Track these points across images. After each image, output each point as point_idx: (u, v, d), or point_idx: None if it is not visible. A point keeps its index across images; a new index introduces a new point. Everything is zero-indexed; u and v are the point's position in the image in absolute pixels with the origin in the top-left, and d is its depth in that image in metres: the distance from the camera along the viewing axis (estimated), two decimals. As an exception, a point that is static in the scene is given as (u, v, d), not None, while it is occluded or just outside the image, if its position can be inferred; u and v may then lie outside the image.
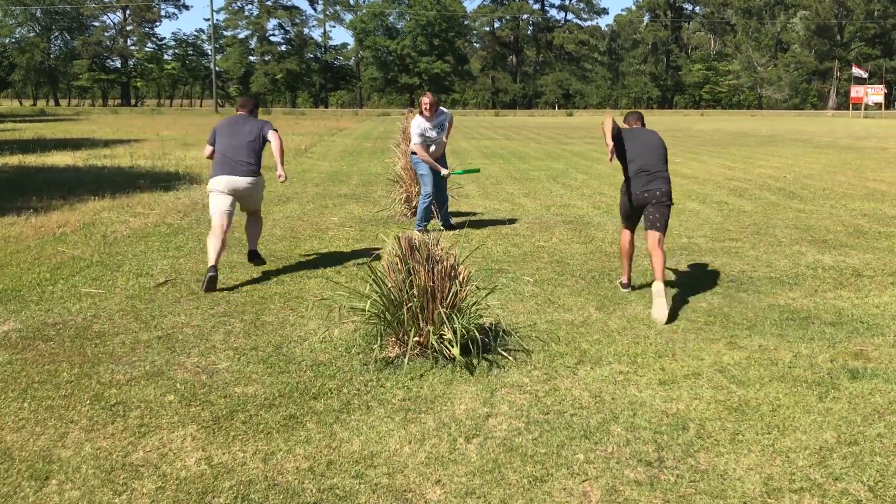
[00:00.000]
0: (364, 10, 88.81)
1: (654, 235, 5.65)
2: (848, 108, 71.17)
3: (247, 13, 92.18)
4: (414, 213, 9.61)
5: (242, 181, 6.64)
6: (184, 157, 18.59)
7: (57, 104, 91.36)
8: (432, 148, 8.52)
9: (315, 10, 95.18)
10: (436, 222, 8.83)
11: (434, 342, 4.52)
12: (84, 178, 13.87)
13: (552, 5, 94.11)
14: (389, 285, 4.68)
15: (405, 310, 4.54)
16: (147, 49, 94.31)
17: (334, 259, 7.42)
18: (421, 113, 8.42)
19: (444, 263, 4.68)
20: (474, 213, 10.24)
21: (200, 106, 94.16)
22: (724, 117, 60.69)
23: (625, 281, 6.25)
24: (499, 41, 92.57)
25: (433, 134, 8.47)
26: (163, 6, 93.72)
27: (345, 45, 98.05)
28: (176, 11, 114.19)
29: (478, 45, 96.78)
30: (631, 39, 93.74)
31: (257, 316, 5.50)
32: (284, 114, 64.45)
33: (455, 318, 4.53)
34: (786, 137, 29.88)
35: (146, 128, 34.65)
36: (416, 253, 4.66)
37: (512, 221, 9.67)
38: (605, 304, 5.84)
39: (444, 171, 8.51)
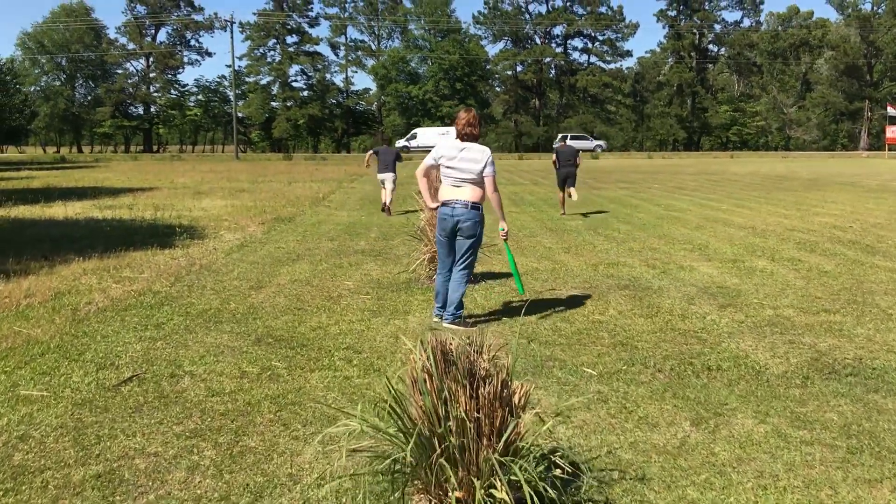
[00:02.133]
0: (386, 56, 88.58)
1: None
2: (881, 149, 69.47)
3: (269, 59, 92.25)
4: (441, 277, 8.21)
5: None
6: (192, 206, 17.40)
7: (80, 151, 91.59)
8: (450, 187, 6.38)
9: (337, 55, 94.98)
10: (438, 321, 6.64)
11: (481, 499, 3.09)
12: (77, 232, 12.65)
13: (575, 48, 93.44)
14: (415, 413, 3.26)
15: (438, 451, 3.13)
16: (170, 96, 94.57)
17: (345, 340, 6.03)
18: (457, 132, 6.50)
19: (494, 382, 3.26)
20: (508, 275, 8.82)
21: (223, 151, 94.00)
22: (754, 159, 59.12)
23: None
24: (521, 84, 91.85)
25: (459, 166, 6.33)
26: (186, 53, 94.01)
27: (367, 89, 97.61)
28: (199, 58, 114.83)
29: (499, 89, 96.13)
30: (655, 81, 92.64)
31: (237, 437, 4.10)
32: (305, 159, 63.80)
33: (511, 464, 3.10)
34: (830, 181, 28.32)
35: (162, 175, 33.74)
36: (452, 368, 3.25)
37: (555, 285, 8.25)
38: (702, 416, 4.38)
39: (502, 228, 6.81)
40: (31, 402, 4.65)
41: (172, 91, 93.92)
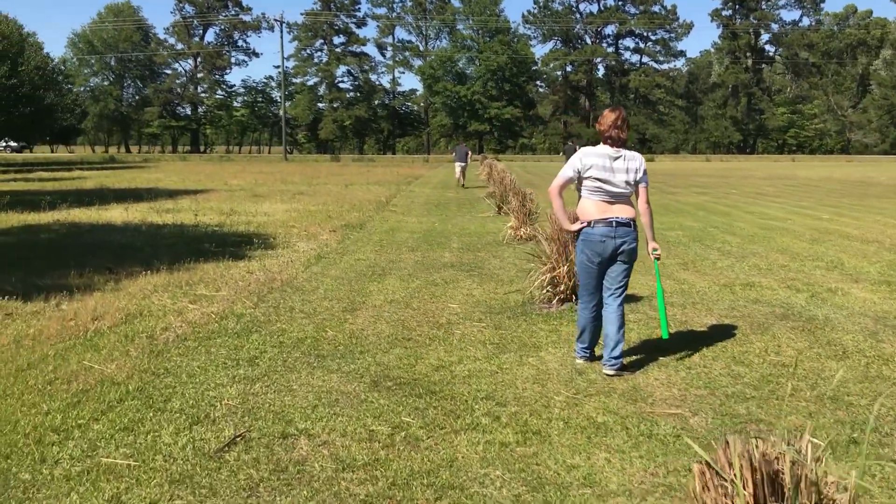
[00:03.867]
0: (433, 57, 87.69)
1: None
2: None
3: (316, 60, 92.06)
4: (566, 299, 7.08)
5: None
6: (255, 211, 16.50)
7: (128, 151, 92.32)
8: (601, 203, 5.27)
9: (384, 56, 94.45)
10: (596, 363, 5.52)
11: None
12: (138, 240, 11.77)
13: (627, 48, 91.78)
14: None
15: None
16: (217, 96, 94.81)
17: (480, 386, 4.94)
18: (603, 136, 5.32)
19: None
20: (636, 298, 7.66)
21: (269, 152, 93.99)
22: (817, 163, 57.07)
23: None
24: (570, 85, 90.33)
25: (613, 179, 5.23)
26: (233, 54, 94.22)
27: (413, 90, 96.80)
28: (246, 59, 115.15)
29: (542, 90, 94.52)
30: (710, 82, 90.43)
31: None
32: (353, 160, 63.29)
33: None
34: (917, 186, 26.64)
35: (214, 176, 33.14)
36: (791, 496, 2.10)
37: (695, 313, 7.07)
38: None
39: (651, 249, 5.50)
40: (116, 475, 3.64)
41: (219, 91, 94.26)
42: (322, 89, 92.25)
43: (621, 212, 5.29)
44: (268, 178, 31.95)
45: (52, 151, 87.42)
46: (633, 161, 5.32)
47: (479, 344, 5.99)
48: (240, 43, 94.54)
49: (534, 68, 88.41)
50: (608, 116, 5.40)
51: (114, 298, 7.45)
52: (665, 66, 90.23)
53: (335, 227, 13.70)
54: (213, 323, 6.58)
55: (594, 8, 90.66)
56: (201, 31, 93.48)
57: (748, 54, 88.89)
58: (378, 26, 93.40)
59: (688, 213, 16.83)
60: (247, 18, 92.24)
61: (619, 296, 5.35)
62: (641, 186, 5.33)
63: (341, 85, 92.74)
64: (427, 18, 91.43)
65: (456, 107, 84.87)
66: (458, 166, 27.71)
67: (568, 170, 5.45)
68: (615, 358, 5.21)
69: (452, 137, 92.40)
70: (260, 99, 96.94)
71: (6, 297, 7.31)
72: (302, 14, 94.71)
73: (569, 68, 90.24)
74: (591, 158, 5.33)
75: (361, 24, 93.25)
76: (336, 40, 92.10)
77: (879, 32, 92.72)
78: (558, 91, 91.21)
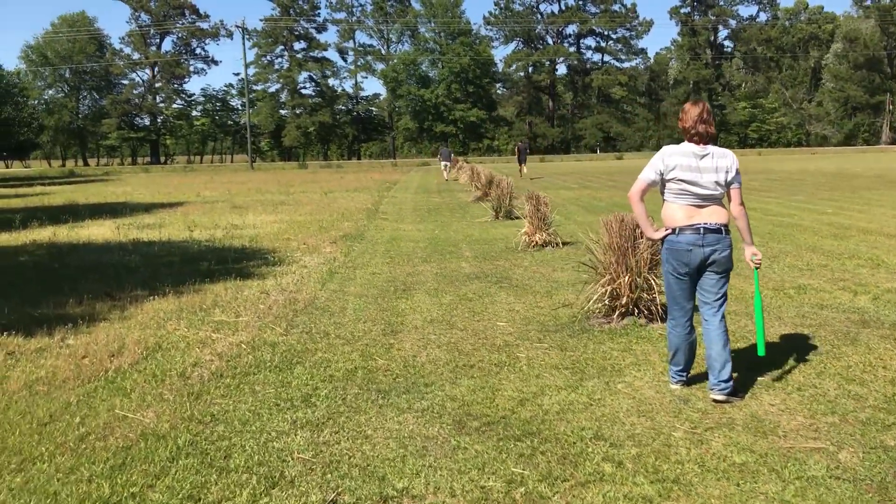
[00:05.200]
0: (396, 60, 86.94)
1: None
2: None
3: (276, 66, 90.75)
4: (627, 313, 6.50)
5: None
6: (240, 223, 15.73)
7: (86, 164, 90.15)
8: (688, 207, 4.72)
9: (346, 61, 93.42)
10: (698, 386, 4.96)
11: None
12: (131, 259, 10.97)
13: (588, 47, 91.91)
14: None
15: None
16: (176, 106, 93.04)
17: (581, 423, 4.35)
18: (687, 133, 4.76)
19: None
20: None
21: (231, 161, 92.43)
22: (782, 156, 57.52)
23: None
24: (534, 85, 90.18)
25: (701, 180, 4.67)
26: (192, 62, 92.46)
27: (377, 95, 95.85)
28: (205, 67, 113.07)
29: (502, 91, 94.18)
30: (672, 79, 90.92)
31: None
32: (321, 167, 62.39)
33: None
34: (899, 177, 26.66)
35: (183, 187, 32.14)
36: None
37: (764, 322, 6.51)
38: None
39: (749, 258, 4.89)
40: (199, 564, 2.97)
41: (179, 101, 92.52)
42: (284, 96, 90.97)
43: (711, 216, 4.74)
44: (240, 187, 31.04)
45: (8, 167, 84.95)
46: (724, 159, 4.76)
47: (552, 369, 5.39)
48: (198, 51, 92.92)
49: (493, 70, 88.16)
50: (691, 111, 4.83)
51: (125, 329, 6.71)
52: (627, 65, 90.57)
53: (334, 238, 13.01)
54: (245, 354, 5.89)
55: (555, 8, 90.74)
56: (158, 40, 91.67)
57: (708, 51, 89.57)
58: (338, 31, 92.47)
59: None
60: (205, 26, 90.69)
61: (720, 309, 4.80)
62: (734, 188, 4.78)
63: (303, 91, 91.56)
64: (388, 22, 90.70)
65: (420, 110, 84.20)
66: (443, 164, 35.87)
67: (649, 172, 4.88)
68: (724, 381, 4.64)
69: (418, 141, 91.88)
70: (220, 107, 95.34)
71: (4, 333, 6.53)
72: (261, 20, 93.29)
73: (531, 69, 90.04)
74: (675, 158, 4.77)
75: (322, 28, 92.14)
76: (297, 46, 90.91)
77: (830, 27, 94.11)
78: (522, 92, 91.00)
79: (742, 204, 4.81)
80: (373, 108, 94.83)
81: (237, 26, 64.86)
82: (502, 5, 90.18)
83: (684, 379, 4.94)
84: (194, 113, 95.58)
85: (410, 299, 7.91)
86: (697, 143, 4.74)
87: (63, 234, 14.53)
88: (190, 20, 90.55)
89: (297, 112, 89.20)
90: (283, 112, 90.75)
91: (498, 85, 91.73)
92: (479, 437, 4.18)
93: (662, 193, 4.95)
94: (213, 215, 17.96)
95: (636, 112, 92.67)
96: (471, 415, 4.53)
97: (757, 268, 4.90)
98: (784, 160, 48.26)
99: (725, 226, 4.74)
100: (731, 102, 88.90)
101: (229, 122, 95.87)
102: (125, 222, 16.49)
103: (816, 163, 42.13)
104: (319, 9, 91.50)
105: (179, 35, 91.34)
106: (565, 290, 8.20)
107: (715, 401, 4.64)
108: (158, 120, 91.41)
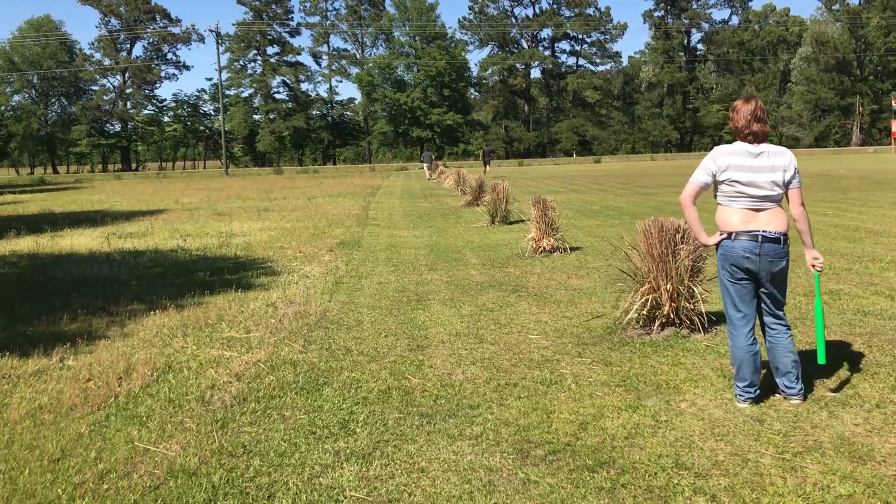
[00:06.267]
0: (371, 64, 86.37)
1: None
2: (873, 145, 68.76)
3: (249, 71, 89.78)
4: (668, 323, 6.13)
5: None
6: (229, 231, 15.20)
7: (55, 172, 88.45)
8: (744, 211, 4.41)
9: (320, 65, 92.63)
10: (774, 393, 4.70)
11: None
12: (120, 271, 10.43)
13: (563, 51, 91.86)
14: None
15: None
16: (147, 112, 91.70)
17: (654, 448, 3.96)
18: (740, 133, 4.44)
19: None
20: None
21: (204, 168, 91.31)
22: (760, 158, 57.68)
23: None
24: (510, 89, 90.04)
25: (758, 180, 4.35)
26: (163, 67, 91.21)
27: (352, 99, 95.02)
28: (176, 72, 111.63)
29: (476, 95, 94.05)
30: (646, 82, 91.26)
31: None
32: (298, 172, 61.74)
33: None
34: (883, 179, 26.66)
35: (160, 195, 31.45)
36: None
37: (806, 328, 6.18)
38: None
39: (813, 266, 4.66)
40: None
41: (150, 106, 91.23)
42: (257, 101, 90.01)
43: (769, 223, 4.42)
44: (219, 194, 30.40)
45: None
46: (781, 157, 4.45)
47: (604, 387, 4.99)
48: (169, 56, 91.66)
49: (468, 74, 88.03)
50: (743, 108, 4.49)
51: (128, 348, 6.22)
52: (601, 68, 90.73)
53: (330, 246, 12.56)
54: (265, 375, 5.43)
55: (529, 12, 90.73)
56: (129, 45, 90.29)
57: (682, 54, 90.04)
58: (312, 35, 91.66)
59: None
60: (176, 31, 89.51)
61: (786, 320, 4.56)
62: (793, 190, 4.47)
63: (277, 96, 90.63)
64: (362, 26, 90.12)
65: (397, 114, 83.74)
66: (425, 166, 42.74)
67: (701, 174, 4.55)
68: (803, 391, 4.49)
69: (394, 145, 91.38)
70: (191, 112, 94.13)
71: (-3, 354, 6.02)
72: (234, 24, 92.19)
73: (506, 73, 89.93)
74: (727, 158, 4.45)
75: (295, 33, 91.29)
76: (270, 50, 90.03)
77: (798, 29, 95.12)
78: (498, 96, 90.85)
79: (803, 205, 4.52)
80: (348, 113, 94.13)
81: (211, 30, 64.12)
82: (476, 9, 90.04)
83: (752, 396, 4.57)
84: (166, 119, 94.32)
85: (427, 310, 7.49)
86: (752, 142, 4.43)
87: (44, 244, 13.92)
88: (161, 25, 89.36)
89: (271, 117, 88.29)
90: (256, 117, 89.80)
91: (471, 90, 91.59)
92: (548, 469, 3.77)
93: (715, 196, 4.63)
94: (197, 223, 17.41)
95: (611, 115, 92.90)
96: (531, 441, 4.12)
97: (819, 272, 4.60)
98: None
99: (785, 234, 4.43)
100: (706, 105, 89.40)
101: (201, 128, 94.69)
102: (107, 231, 15.89)
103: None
104: (293, 13, 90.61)
105: (150, 40, 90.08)
106: (588, 298, 7.83)
107: (792, 401, 4.55)
108: (129, 126, 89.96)
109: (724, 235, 4.52)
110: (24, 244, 13.96)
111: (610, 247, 11.49)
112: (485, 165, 48.00)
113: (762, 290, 4.54)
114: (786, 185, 4.42)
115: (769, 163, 4.38)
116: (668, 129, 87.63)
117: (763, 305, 4.61)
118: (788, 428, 4.19)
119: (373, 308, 7.65)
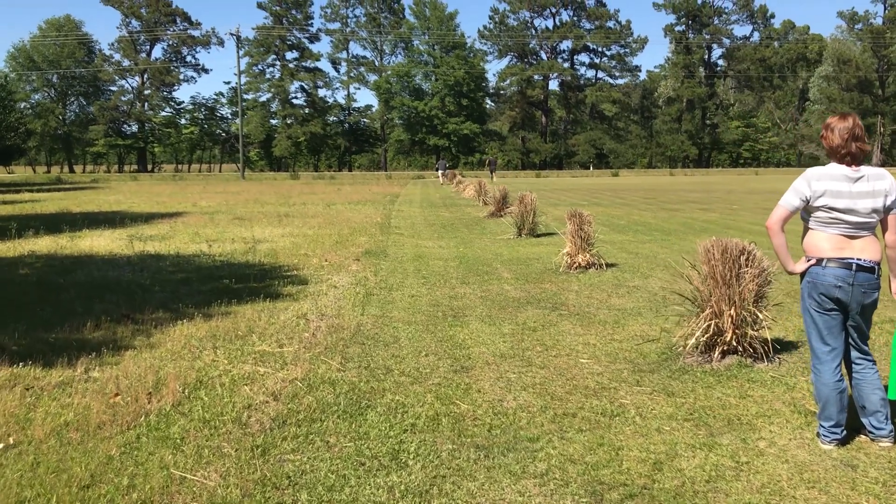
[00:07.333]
0: (389, 72, 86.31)
1: None
2: (892, 165, 67.93)
3: (268, 76, 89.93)
4: (730, 351, 5.75)
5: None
6: (250, 237, 14.90)
7: (72, 171, 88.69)
8: (838, 237, 4.06)
9: (338, 72, 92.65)
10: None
11: None
12: (143, 276, 10.12)
13: (582, 64, 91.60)
14: None
15: None
16: (164, 113, 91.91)
17: (743, 496, 3.58)
18: (836, 154, 4.06)
19: None
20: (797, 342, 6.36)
21: (220, 171, 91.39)
22: (778, 175, 57.25)
23: None
24: (527, 101, 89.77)
25: (856, 206, 3.98)
26: (182, 70, 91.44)
27: (369, 106, 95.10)
28: (195, 75, 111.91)
29: (491, 105, 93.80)
30: (665, 96, 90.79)
31: None
32: (314, 178, 61.55)
33: None
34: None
35: (177, 196, 31.24)
36: None
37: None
38: None
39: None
40: None
41: (168, 108, 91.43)
42: (275, 105, 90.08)
43: (864, 251, 4.05)
44: (237, 198, 30.16)
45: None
46: (882, 181, 4.06)
47: (671, 421, 4.62)
48: (188, 59, 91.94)
49: (485, 84, 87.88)
50: (839, 125, 4.10)
51: (156, 360, 5.89)
52: (620, 81, 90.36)
53: (355, 255, 12.23)
54: (303, 395, 5.09)
55: (549, 23, 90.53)
56: (148, 47, 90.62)
57: (702, 69, 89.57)
58: (331, 41, 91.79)
59: (716, 232, 15.73)
60: (196, 34, 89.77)
61: (869, 350, 4.24)
62: (893, 215, 4.07)
63: (295, 101, 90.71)
64: (382, 33, 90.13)
65: (414, 122, 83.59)
66: (440, 173, 49.75)
67: (793, 198, 4.16)
68: (891, 428, 4.20)
69: (410, 153, 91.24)
70: (207, 115, 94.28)
71: (19, 363, 5.69)
72: (253, 29, 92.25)
73: (525, 84, 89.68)
74: (824, 183, 4.05)
75: (314, 39, 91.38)
76: (289, 55, 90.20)
77: (817, 47, 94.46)
78: (515, 107, 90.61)
79: None
80: (365, 120, 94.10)
81: (231, 34, 64.07)
82: (497, 20, 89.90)
83: (839, 437, 4.20)
84: (183, 121, 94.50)
85: (466, 328, 7.13)
86: (850, 164, 4.04)
87: (63, 244, 13.65)
88: (181, 27, 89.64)
89: (288, 122, 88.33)
90: (273, 122, 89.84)
91: (487, 99, 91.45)
92: (630, 517, 3.41)
93: (805, 220, 4.26)
94: (217, 227, 17.12)
95: (629, 129, 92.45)
96: (602, 483, 3.76)
97: None
98: (781, 179, 47.85)
99: (878, 264, 4.06)
100: (725, 121, 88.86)
101: (218, 131, 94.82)
102: (127, 233, 15.62)
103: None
104: (312, 19, 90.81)
105: (170, 42, 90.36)
106: (634, 319, 7.46)
107: (882, 444, 4.15)
108: (146, 127, 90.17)
109: (813, 262, 4.16)
110: (43, 244, 13.70)
111: (647, 264, 11.13)
112: (491, 174, 52.49)
113: (849, 322, 4.19)
114: (886, 211, 4.05)
115: (870, 187, 4.01)
116: (686, 144, 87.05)
117: (849, 339, 4.25)
118: (886, 476, 3.81)
119: (408, 323, 7.31)
